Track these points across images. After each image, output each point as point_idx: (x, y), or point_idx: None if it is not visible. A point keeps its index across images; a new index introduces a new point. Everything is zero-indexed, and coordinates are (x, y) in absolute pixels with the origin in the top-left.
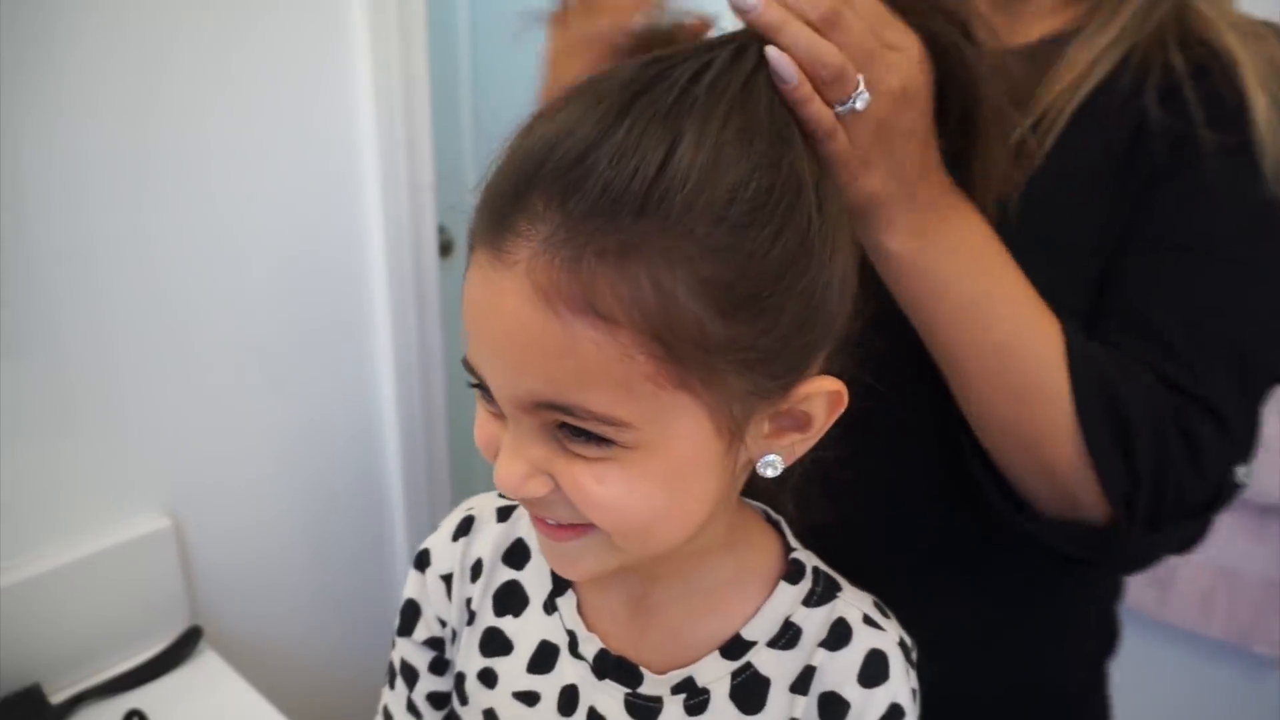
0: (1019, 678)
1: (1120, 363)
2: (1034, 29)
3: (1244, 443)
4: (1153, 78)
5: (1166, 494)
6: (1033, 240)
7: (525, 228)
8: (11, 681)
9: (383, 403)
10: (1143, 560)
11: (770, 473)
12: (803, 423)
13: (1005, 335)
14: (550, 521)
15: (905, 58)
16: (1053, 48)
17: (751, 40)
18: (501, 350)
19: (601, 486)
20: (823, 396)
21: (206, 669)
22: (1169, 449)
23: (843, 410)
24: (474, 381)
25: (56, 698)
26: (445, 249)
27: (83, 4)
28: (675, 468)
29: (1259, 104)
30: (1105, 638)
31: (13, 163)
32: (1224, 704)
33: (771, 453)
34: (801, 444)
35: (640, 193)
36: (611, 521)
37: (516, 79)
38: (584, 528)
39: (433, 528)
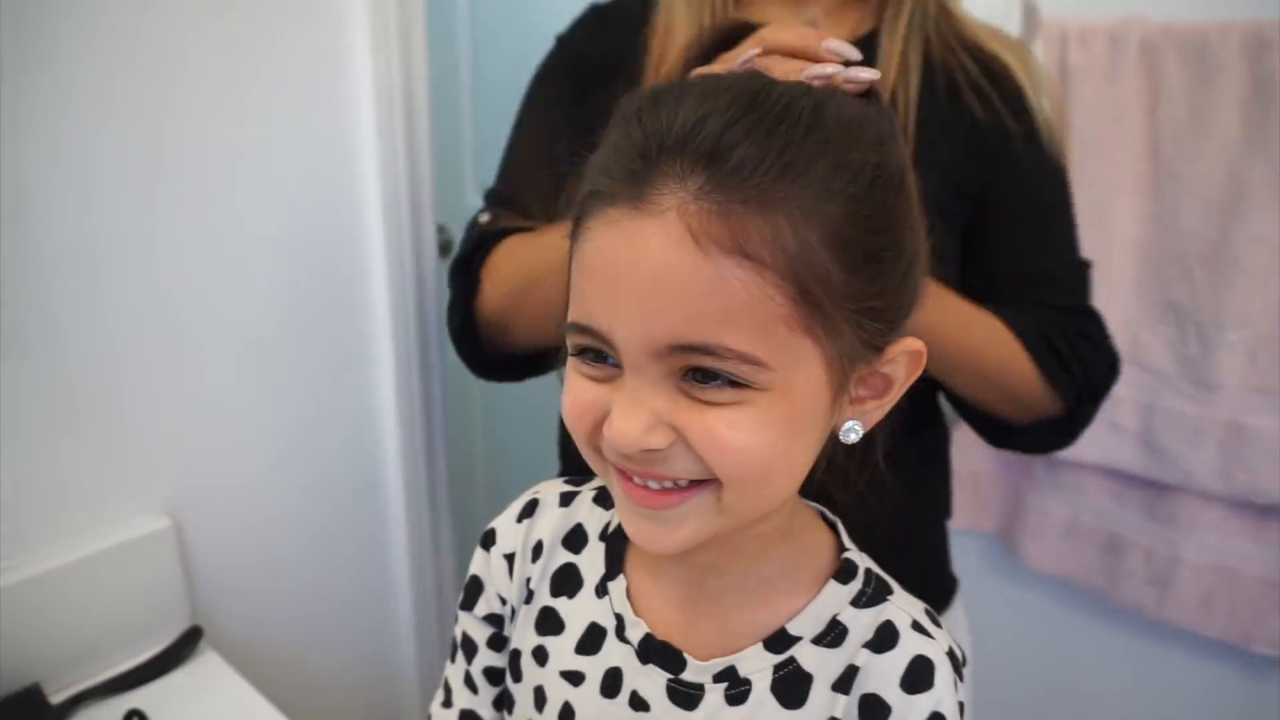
0: (900, 544)
1: (1037, 316)
2: (859, 28)
3: (1099, 317)
4: (960, 77)
5: (1091, 377)
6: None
7: (673, 183)
8: (11, 681)
9: (382, 403)
10: (1082, 429)
11: (853, 438)
12: (882, 389)
13: (982, 344)
14: (654, 486)
15: None
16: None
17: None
18: (643, 293)
19: (735, 432)
20: (906, 356)
21: (206, 669)
22: (1081, 349)
23: (920, 372)
24: (582, 344)
25: (56, 698)
26: (445, 249)
27: (82, 4)
28: (797, 413)
29: (1029, 95)
30: (947, 499)
31: (14, 163)
32: (1224, 704)
33: (853, 419)
34: (878, 410)
35: (781, 158)
36: (739, 467)
37: (517, 79)
38: (691, 490)
39: (432, 528)
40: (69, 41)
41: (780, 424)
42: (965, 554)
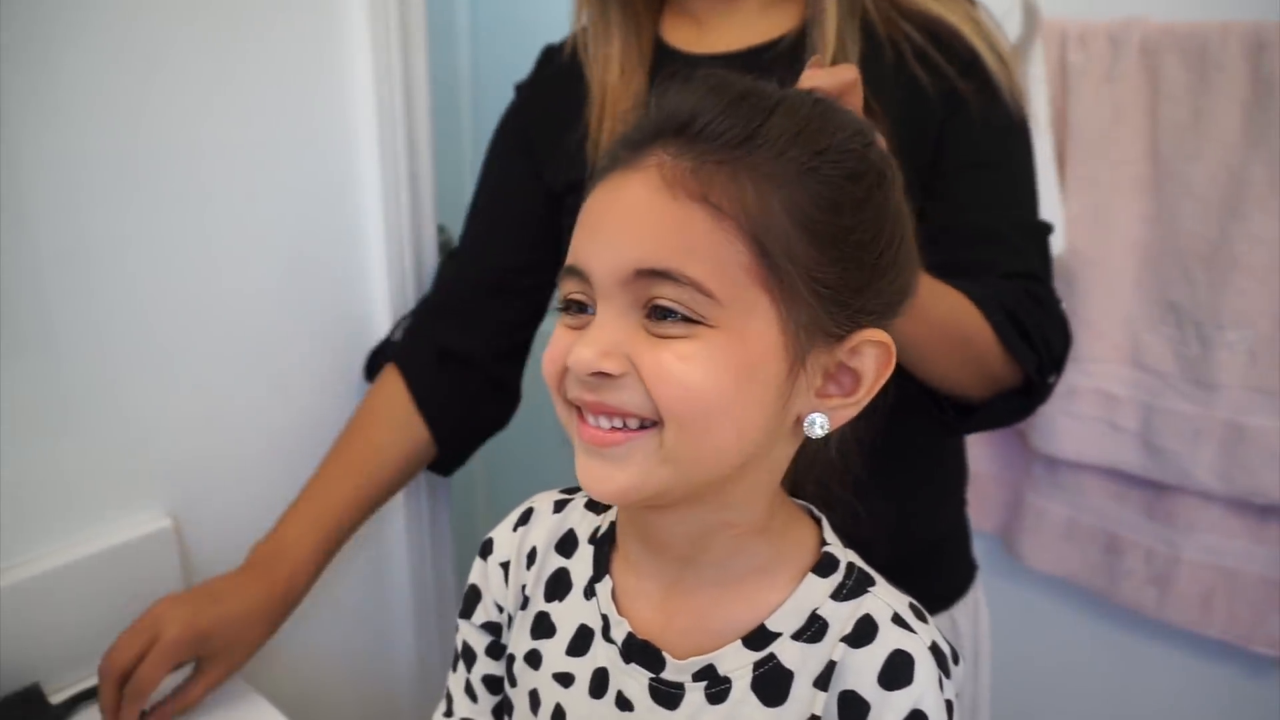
0: (913, 535)
1: (995, 287)
2: (744, 38)
3: (1050, 280)
4: (904, 47)
5: (1053, 348)
6: None
7: (656, 148)
8: (11, 681)
9: None
10: (1041, 403)
11: (819, 431)
12: (850, 387)
13: (952, 319)
14: (604, 424)
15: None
16: (762, 53)
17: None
18: (619, 226)
19: (681, 362)
20: (873, 350)
21: None
22: (1038, 318)
23: (890, 373)
24: (567, 292)
25: (56, 698)
26: (445, 249)
27: (83, 3)
28: (746, 362)
29: (984, 54)
30: (962, 472)
31: (12, 162)
32: (1224, 704)
33: (818, 411)
34: (846, 408)
35: (748, 132)
36: (682, 400)
37: (517, 79)
38: (638, 432)
39: (432, 529)
40: (63, 40)
41: (727, 366)
42: None
